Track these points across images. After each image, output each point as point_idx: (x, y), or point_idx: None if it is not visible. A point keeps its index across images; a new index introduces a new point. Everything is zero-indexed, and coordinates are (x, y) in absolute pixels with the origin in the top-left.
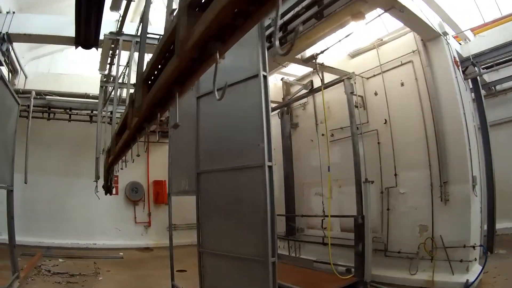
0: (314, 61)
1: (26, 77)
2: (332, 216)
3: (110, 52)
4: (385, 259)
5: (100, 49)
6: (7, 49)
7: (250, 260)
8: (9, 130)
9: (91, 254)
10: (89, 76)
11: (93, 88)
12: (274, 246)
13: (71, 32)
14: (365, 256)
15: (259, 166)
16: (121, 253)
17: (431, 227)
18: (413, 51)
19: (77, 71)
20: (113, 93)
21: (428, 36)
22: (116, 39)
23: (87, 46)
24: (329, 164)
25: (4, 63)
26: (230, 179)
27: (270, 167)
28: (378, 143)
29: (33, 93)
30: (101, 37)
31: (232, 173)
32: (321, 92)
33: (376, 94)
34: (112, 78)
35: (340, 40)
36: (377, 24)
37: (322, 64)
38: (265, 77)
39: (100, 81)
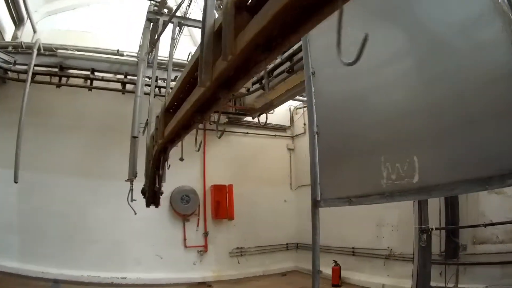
0: None
1: (34, 32)
2: None
3: None
4: None
5: None
6: None
7: None
8: None
9: None
10: (125, 34)
11: (129, 47)
12: None
13: None
14: None
15: None
16: None
17: None
18: None
19: (108, 30)
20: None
21: None
22: None
23: None
24: None
25: None
26: None
27: None
28: None
29: (38, 43)
30: None
31: None
32: None
33: None
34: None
35: None
36: None
37: None
38: None
39: (148, 12)
